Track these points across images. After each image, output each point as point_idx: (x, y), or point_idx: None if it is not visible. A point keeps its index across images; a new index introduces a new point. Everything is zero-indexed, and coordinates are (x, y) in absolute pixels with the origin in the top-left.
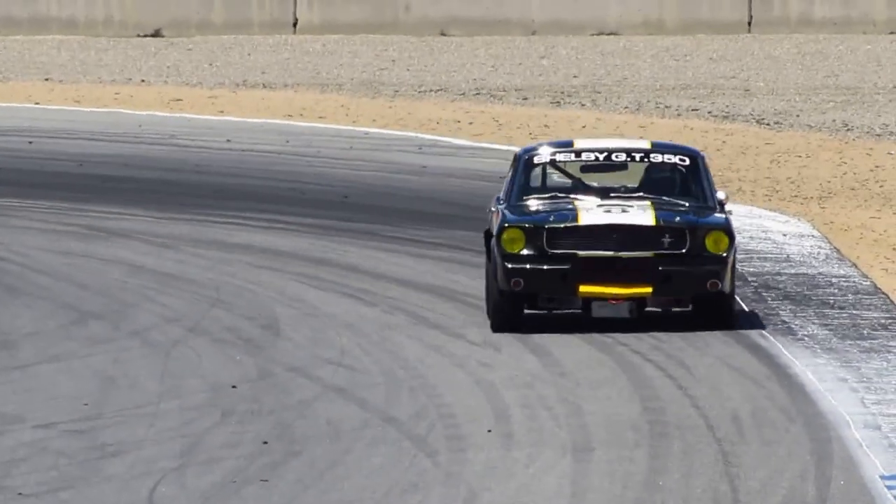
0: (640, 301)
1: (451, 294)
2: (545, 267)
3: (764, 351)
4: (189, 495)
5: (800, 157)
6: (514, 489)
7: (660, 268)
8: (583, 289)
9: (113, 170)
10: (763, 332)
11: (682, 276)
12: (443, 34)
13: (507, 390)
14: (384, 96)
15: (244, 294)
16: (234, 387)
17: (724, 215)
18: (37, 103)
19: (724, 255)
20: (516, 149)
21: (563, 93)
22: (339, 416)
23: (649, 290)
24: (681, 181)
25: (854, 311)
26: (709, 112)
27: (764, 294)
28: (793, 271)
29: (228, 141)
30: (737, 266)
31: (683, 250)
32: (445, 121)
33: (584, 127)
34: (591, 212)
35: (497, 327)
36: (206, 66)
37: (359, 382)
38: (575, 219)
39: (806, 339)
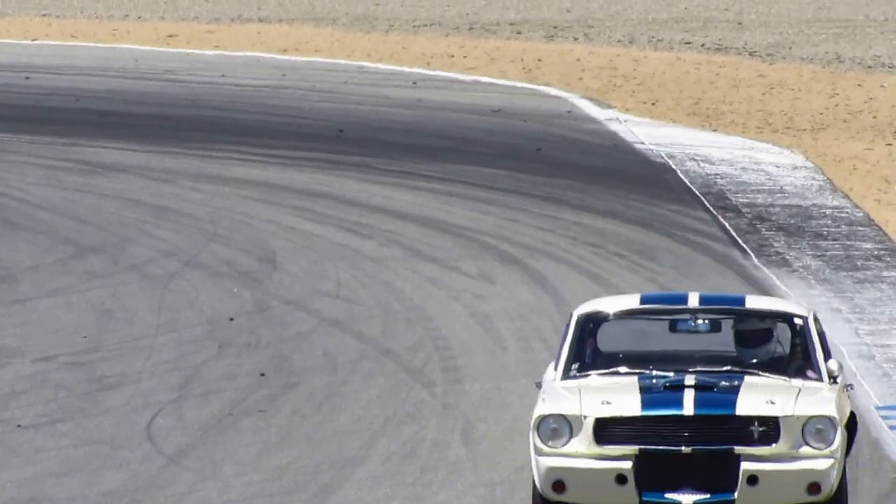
0: None
1: (446, 227)
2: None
3: (758, 282)
4: (187, 427)
5: (792, 89)
6: (509, 419)
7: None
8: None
9: (110, 105)
10: (757, 262)
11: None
12: None
13: (501, 322)
14: (378, 31)
15: (241, 228)
16: (231, 319)
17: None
18: (34, 39)
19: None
20: (510, 83)
21: (556, 27)
22: (335, 348)
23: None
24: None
25: (847, 242)
26: (701, 45)
27: (758, 226)
28: (786, 202)
29: (223, 76)
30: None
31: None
32: (439, 55)
33: (578, 60)
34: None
35: None
36: (202, 1)
37: (355, 315)
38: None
39: (800, 269)
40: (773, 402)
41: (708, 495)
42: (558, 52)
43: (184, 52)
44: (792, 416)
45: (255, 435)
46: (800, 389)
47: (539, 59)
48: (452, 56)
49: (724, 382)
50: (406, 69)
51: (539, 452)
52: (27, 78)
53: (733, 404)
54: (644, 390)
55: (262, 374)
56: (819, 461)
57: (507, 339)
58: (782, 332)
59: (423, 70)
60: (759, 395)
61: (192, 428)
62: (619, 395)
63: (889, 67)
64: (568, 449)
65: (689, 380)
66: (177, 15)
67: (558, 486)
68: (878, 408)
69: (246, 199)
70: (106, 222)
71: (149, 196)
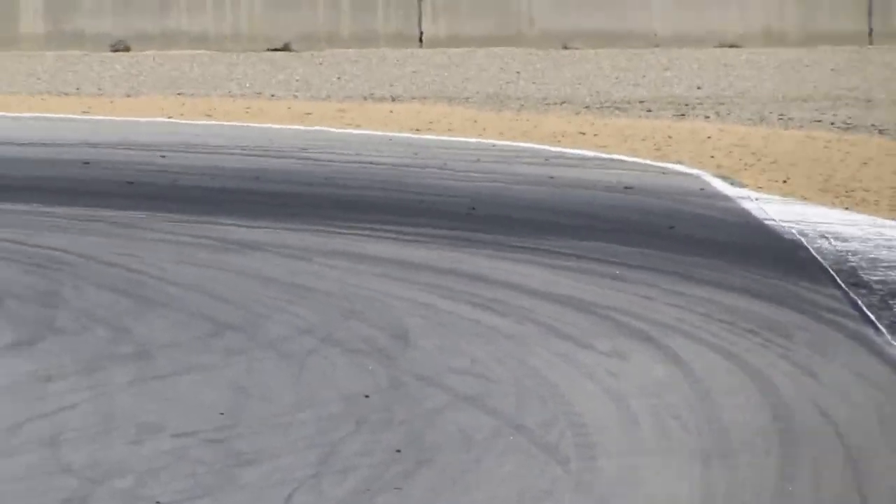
0: None
1: (579, 304)
2: None
3: (892, 358)
4: (325, 503)
5: None
6: (644, 496)
7: None
8: None
9: (244, 183)
10: (890, 339)
11: None
12: (566, 47)
13: (635, 399)
14: (510, 109)
15: (374, 304)
16: (366, 396)
17: None
18: (169, 117)
19: None
20: (641, 160)
21: (686, 104)
22: (469, 424)
23: None
24: None
25: None
26: (831, 123)
27: (890, 302)
28: None
29: (357, 154)
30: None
31: None
32: (570, 133)
33: (709, 138)
34: None
35: None
36: (334, 79)
37: (489, 391)
38: None
39: None
40: None
41: None
42: (689, 130)
43: (317, 130)
44: None
45: None
46: None
47: (670, 137)
48: (583, 134)
49: None
50: (537, 146)
51: None
52: (163, 156)
53: None
54: None
55: (398, 451)
56: None
57: (641, 415)
58: None
59: (555, 147)
60: None
61: None
62: None
63: None
64: None
65: None
66: (309, 94)
67: None
68: None
69: (379, 276)
70: (241, 299)
71: (284, 273)
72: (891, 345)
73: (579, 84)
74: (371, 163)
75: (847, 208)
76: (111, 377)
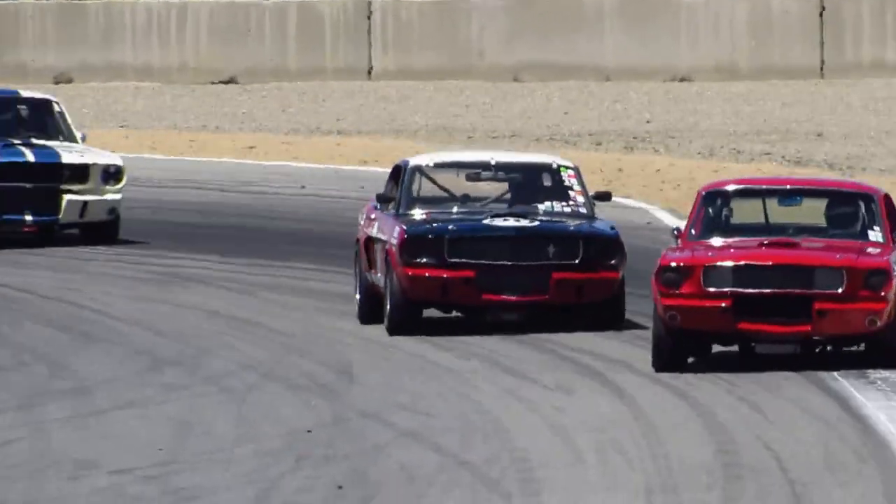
0: None
1: (521, 339)
2: None
3: (836, 393)
4: None
5: None
6: None
7: None
8: None
9: (187, 217)
10: (835, 374)
11: None
12: (516, 80)
13: (580, 434)
14: (458, 142)
15: (318, 340)
16: (309, 431)
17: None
18: (112, 151)
19: None
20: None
21: (636, 138)
22: (412, 460)
23: None
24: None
25: None
26: (782, 156)
27: None
28: None
29: (303, 187)
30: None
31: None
32: None
33: (657, 171)
34: None
35: None
36: (280, 112)
37: (433, 427)
38: None
39: (878, 381)
40: None
41: None
42: (638, 164)
43: (262, 164)
44: None
45: None
46: None
47: (619, 170)
48: None
49: None
50: None
51: None
52: None
53: None
54: None
55: (340, 487)
56: None
57: (586, 451)
58: None
59: None
60: None
61: None
62: None
63: None
64: None
65: None
66: (254, 125)
67: None
68: None
69: (323, 311)
70: (183, 334)
71: (227, 307)
72: (835, 379)
73: (529, 117)
74: (316, 195)
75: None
76: (48, 413)
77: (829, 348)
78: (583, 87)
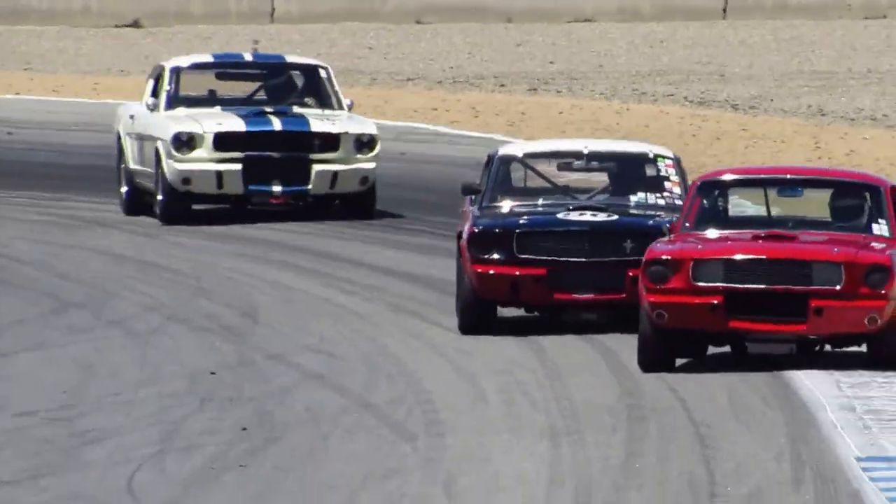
0: None
1: (429, 281)
2: None
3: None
4: (168, 481)
5: (775, 142)
6: (491, 474)
7: None
8: None
9: (93, 160)
10: None
11: None
12: (418, 22)
13: (485, 377)
14: (362, 84)
15: (224, 282)
16: (213, 373)
17: None
18: (17, 93)
19: None
20: (494, 136)
21: (539, 80)
22: (318, 402)
23: None
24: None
25: None
26: (684, 98)
27: None
28: None
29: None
30: None
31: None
32: (423, 108)
33: (561, 113)
34: None
35: None
36: (184, 56)
37: (338, 369)
38: None
39: None
40: None
41: None
42: (542, 106)
43: None
44: None
45: (236, 489)
46: None
47: (522, 113)
48: (436, 109)
49: None
50: (389, 123)
51: None
52: (10, 133)
53: None
54: None
55: (244, 429)
56: None
57: (490, 393)
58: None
59: (407, 123)
60: None
61: (173, 482)
62: None
63: (872, 120)
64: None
65: None
66: None
67: None
68: (859, 459)
69: (229, 254)
70: (89, 277)
71: (132, 251)
72: None
73: (432, 60)
74: None
75: None
76: None
77: (826, 348)
78: (486, 30)
